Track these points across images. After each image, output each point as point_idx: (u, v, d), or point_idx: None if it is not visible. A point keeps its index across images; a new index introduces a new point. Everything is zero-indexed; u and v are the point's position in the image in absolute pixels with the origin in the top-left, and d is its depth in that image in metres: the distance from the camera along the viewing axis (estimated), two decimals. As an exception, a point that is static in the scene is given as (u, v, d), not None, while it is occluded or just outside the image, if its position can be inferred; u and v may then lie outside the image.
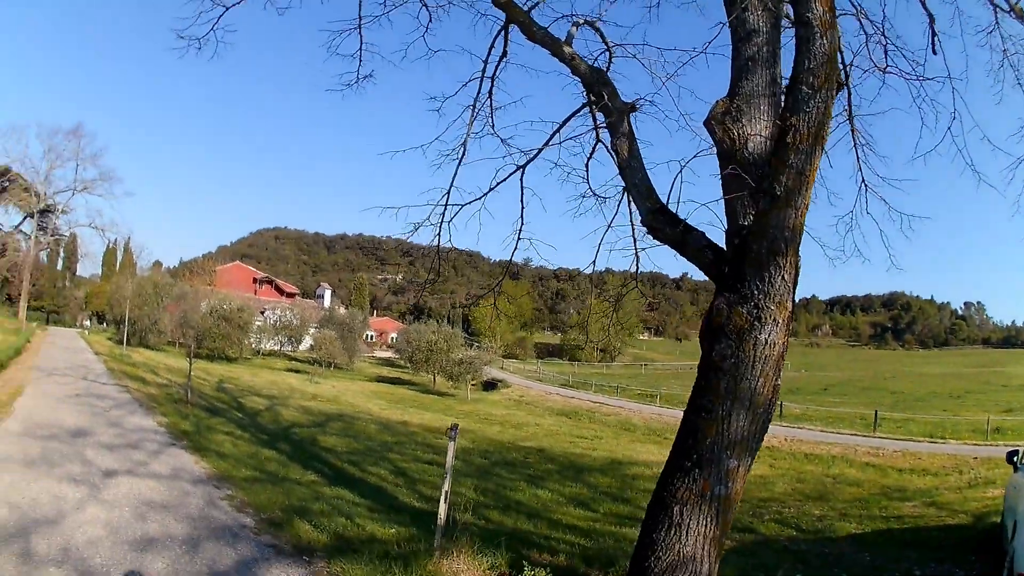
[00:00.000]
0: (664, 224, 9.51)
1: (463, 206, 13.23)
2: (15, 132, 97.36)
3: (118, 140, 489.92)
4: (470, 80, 12.76)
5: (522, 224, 13.19)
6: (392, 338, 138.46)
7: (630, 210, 11.46)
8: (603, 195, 12.12)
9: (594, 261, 13.20)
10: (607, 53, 11.42)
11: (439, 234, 13.69)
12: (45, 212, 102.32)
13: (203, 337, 75.07)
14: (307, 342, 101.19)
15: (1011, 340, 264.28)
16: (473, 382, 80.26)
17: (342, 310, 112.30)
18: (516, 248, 13.65)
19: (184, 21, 10.99)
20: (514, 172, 12.61)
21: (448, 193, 12.87)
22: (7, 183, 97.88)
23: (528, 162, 12.42)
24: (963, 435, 48.05)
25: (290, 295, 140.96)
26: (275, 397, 47.41)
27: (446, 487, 10.91)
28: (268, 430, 30.46)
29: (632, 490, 25.67)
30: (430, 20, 12.49)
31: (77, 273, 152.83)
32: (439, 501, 10.77)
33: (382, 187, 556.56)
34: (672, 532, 8.38)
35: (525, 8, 10.89)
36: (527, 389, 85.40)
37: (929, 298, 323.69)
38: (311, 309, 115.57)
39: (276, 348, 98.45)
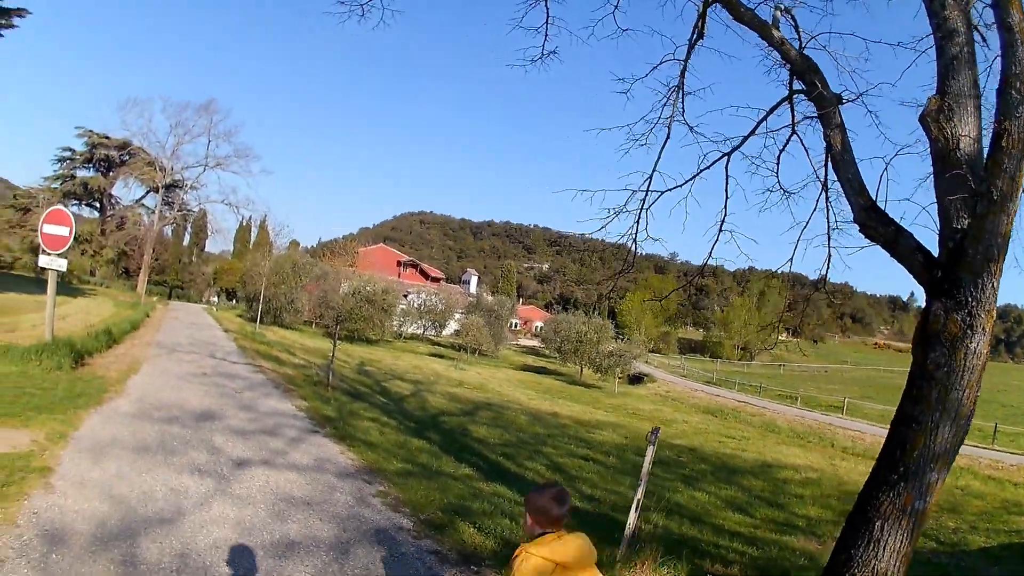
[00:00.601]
0: (877, 223, 9.58)
1: (663, 193, 13.24)
2: (137, 106, 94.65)
3: (260, 120, 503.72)
4: (662, 62, 12.71)
5: (725, 215, 13.13)
6: (537, 327, 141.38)
7: (828, 207, 12.27)
8: (791, 190, 12.86)
9: (791, 259, 13.97)
10: (797, 42, 11.24)
11: (637, 221, 13.46)
12: (171, 187, 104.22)
13: (344, 318, 74.12)
14: (451, 327, 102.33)
15: None
16: (620, 375, 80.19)
17: (489, 297, 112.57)
18: (717, 240, 13.38)
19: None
20: (718, 159, 12.66)
21: (650, 178, 12.93)
22: (127, 156, 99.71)
23: (733, 150, 12.46)
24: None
25: (435, 279, 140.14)
26: (420, 382, 47.24)
27: (639, 495, 10.60)
28: (415, 417, 30.11)
29: (784, 495, 26.81)
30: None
31: (206, 249, 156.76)
32: (630, 508, 10.68)
33: (534, 176, 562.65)
34: (870, 548, 8.71)
35: (730, -13, 10.67)
36: (672, 384, 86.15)
37: None
38: (457, 294, 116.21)
39: (419, 332, 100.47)
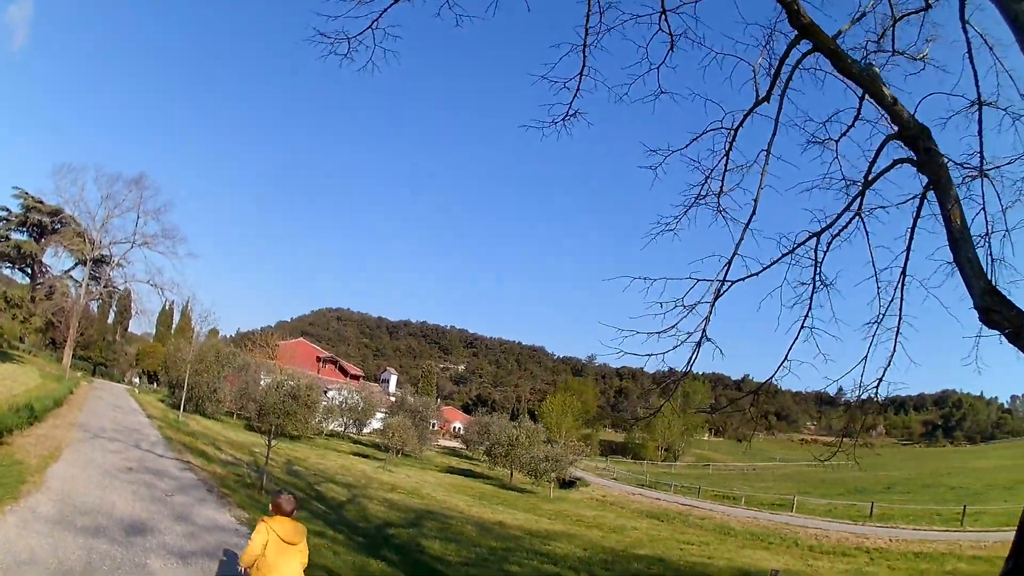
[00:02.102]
0: (1000, 306, 8.41)
1: (734, 282, 12.19)
2: (71, 172, 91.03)
3: (180, 199, 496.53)
4: (707, 130, 11.73)
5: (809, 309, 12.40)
6: (456, 427, 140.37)
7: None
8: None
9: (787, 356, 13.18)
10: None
11: (707, 322, 12.30)
12: (99, 262, 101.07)
13: (266, 412, 71.77)
14: (373, 425, 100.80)
15: None
16: (553, 480, 77.50)
17: (411, 396, 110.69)
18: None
19: (330, 6, 10.16)
20: (807, 240, 11.61)
21: (724, 271, 11.90)
22: (59, 225, 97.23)
23: (823, 229, 11.36)
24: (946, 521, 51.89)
25: (354, 377, 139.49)
26: (353, 486, 44.57)
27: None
28: (361, 530, 27.69)
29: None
30: (670, 49, 11.33)
31: (129, 329, 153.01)
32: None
33: (455, 275, 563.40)
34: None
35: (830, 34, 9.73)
36: (607, 488, 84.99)
37: (979, 394, 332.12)
38: (377, 393, 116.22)
39: (340, 429, 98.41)
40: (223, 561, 14.35)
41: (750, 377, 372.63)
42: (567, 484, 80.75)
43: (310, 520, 23.84)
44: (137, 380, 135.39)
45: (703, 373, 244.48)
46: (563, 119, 11.61)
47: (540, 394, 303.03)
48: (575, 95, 11.40)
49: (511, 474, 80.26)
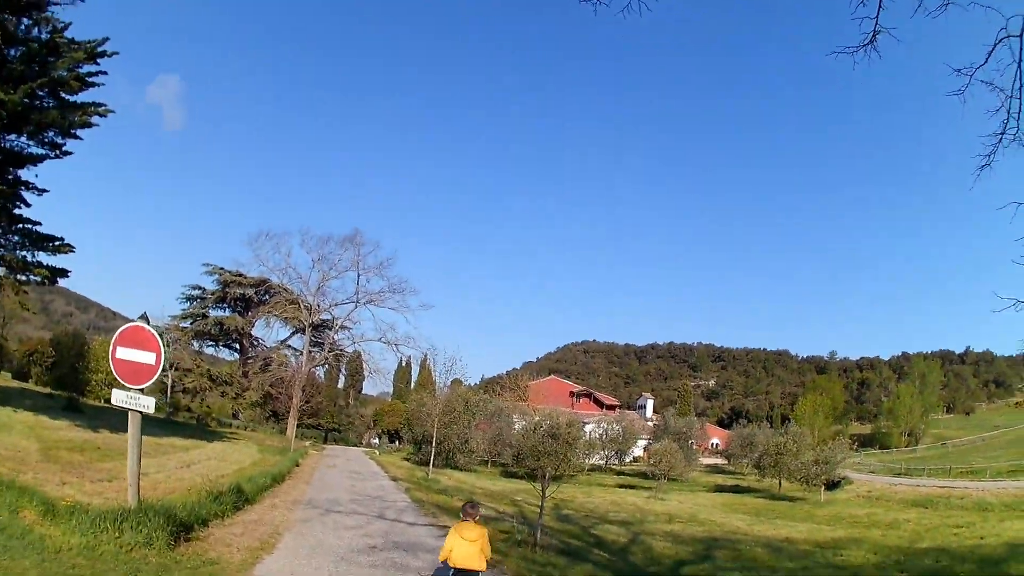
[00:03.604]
0: None
1: None
2: (271, 239, 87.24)
3: (407, 254, 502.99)
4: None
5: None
6: (713, 444, 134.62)
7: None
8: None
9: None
10: None
11: None
12: (319, 327, 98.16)
13: (524, 455, 66.55)
14: (634, 453, 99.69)
15: None
16: (823, 483, 72.03)
17: (672, 419, 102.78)
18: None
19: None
20: None
21: None
22: (265, 295, 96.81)
23: None
24: None
25: (610, 407, 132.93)
26: (629, 523, 40.40)
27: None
28: (654, 574, 24.60)
29: None
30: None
31: (363, 391, 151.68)
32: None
33: (696, 290, 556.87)
34: None
35: None
36: (867, 482, 78.36)
37: None
38: (634, 420, 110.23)
39: (600, 463, 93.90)
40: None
41: (971, 348, 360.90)
42: (832, 485, 74.15)
43: (596, 571, 21.75)
44: (376, 441, 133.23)
45: (929, 352, 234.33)
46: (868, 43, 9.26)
47: (790, 397, 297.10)
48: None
49: (779, 483, 74.85)
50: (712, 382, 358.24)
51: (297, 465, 46.69)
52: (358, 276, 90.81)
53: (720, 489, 78.03)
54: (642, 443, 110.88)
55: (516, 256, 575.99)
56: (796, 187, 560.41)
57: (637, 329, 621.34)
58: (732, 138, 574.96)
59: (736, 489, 78.59)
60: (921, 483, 72.93)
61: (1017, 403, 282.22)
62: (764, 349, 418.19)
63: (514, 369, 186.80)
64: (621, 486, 72.06)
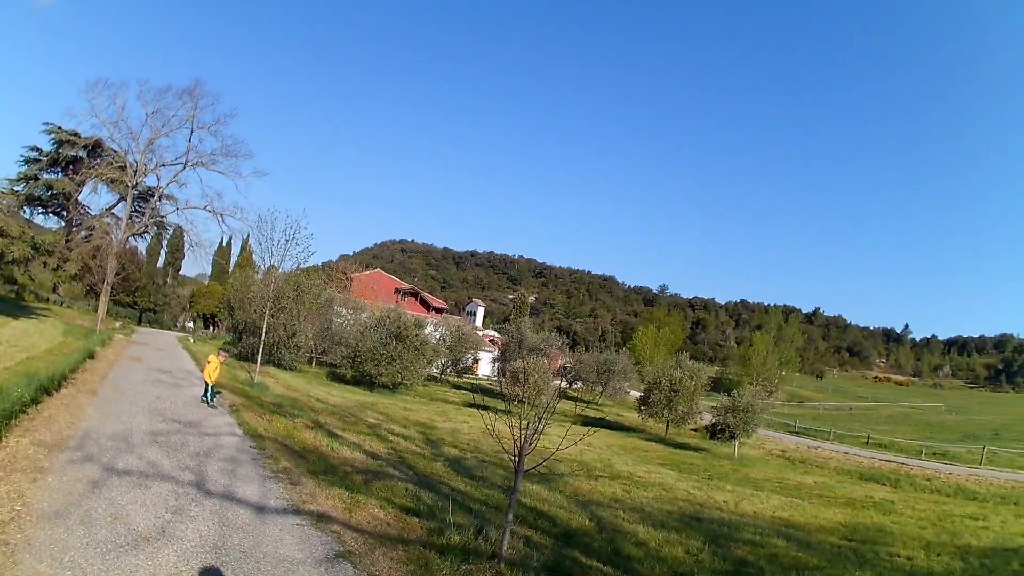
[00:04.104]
0: None
1: None
2: (108, 89, 72.98)
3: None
4: None
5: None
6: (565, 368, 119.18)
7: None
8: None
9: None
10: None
11: None
12: (144, 197, 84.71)
13: (363, 358, 59.20)
14: (484, 369, 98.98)
15: None
16: (694, 427, 67.96)
17: (529, 331, 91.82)
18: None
19: None
20: None
21: None
22: (97, 158, 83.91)
23: None
24: None
25: (438, 310, 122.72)
26: (550, 476, 29.21)
27: None
28: None
29: None
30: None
31: (182, 271, 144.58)
32: None
33: (520, 203, 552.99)
34: None
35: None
36: (773, 439, 71.65)
37: None
38: (467, 328, 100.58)
39: (436, 373, 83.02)
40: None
41: (821, 311, 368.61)
42: (716, 433, 62.67)
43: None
44: (191, 325, 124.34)
45: (774, 305, 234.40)
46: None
47: (621, 325, 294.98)
48: None
49: (666, 427, 63.84)
50: (533, 298, 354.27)
51: (92, 357, 35.33)
52: (191, 133, 75.96)
53: (588, 422, 65.73)
54: (485, 355, 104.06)
55: (345, 145, 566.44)
56: (639, 109, 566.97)
57: (456, 234, 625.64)
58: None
59: (605, 424, 68.87)
60: (836, 448, 67.42)
61: (876, 377, 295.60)
62: (589, 272, 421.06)
63: (330, 261, 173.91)
64: (471, 405, 61.50)
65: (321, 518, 12.62)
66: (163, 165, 77.10)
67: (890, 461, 59.15)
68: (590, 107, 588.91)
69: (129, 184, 74.41)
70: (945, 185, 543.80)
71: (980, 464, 59.10)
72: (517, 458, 12.09)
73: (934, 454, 65.19)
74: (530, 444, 12.06)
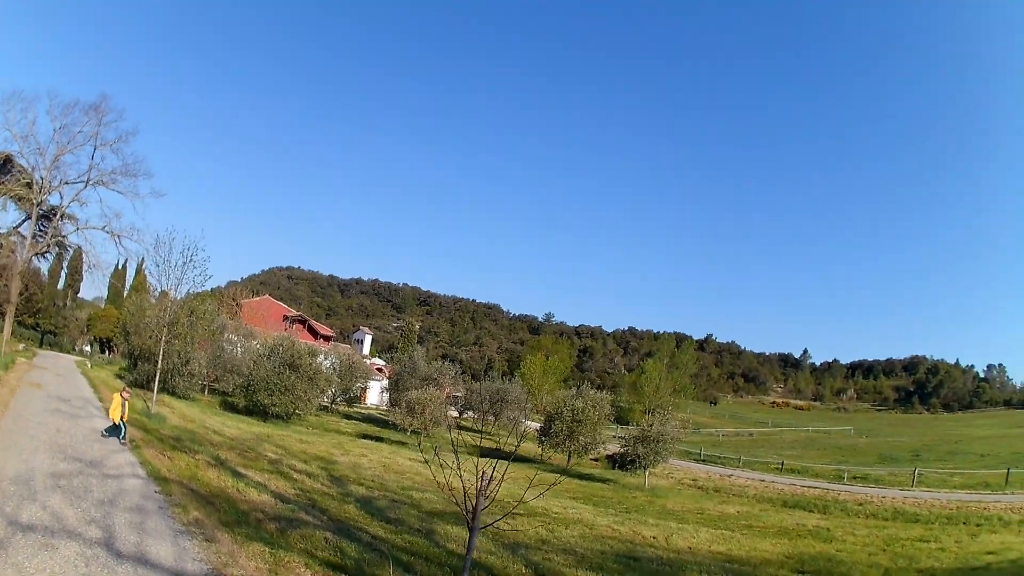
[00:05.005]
0: None
1: None
2: (22, 101, 70.09)
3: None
4: None
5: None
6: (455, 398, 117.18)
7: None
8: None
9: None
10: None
11: None
12: (47, 216, 79.57)
13: (256, 387, 56.54)
14: (373, 398, 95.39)
15: None
16: (594, 458, 65.71)
17: (422, 361, 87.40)
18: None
19: None
20: None
21: None
22: (7, 173, 76.63)
23: None
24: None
25: (325, 338, 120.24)
26: (458, 515, 23.57)
27: None
28: None
29: None
30: None
31: (80, 293, 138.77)
32: None
33: (401, 233, 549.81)
34: None
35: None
36: (684, 468, 69.82)
37: (955, 362, 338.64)
38: (356, 356, 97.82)
39: (327, 403, 79.55)
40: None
41: (713, 337, 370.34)
42: (618, 463, 60.90)
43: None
44: (88, 348, 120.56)
45: (664, 332, 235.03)
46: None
47: (507, 353, 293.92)
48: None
49: (568, 458, 62.60)
50: (418, 326, 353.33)
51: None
52: (93, 150, 73.18)
53: (485, 454, 62.69)
54: (375, 384, 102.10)
55: (235, 170, 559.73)
56: (515, 134, 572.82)
57: (341, 261, 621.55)
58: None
59: (500, 454, 64.38)
60: (750, 476, 65.65)
61: (773, 403, 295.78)
62: (473, 300, 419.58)
63: (219, 287, 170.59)
64: (365, 436, 60.45)
65: None
66: (66, 183, 74.36)
67: (812, 487, 57.50)
68: (469, 134, 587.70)
69: (35, 201, 71.49)
70: (842, 206, 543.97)
71: (912, 486, 56.51)
72: (471, 514, 10.81)
73: (855, 478, 63.63)
74: (485, 496, 10.89)
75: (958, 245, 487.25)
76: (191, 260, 41.58)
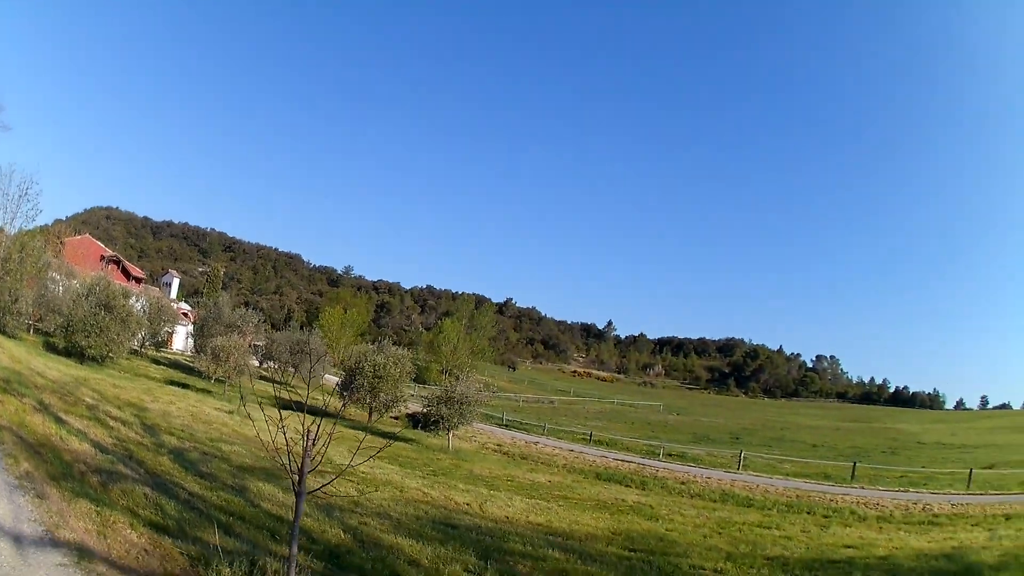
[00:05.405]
0: None
1: None
2: None
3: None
4: None
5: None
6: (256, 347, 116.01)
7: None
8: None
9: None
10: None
11: None
12: None
13: (74, 328, 55.28)
14: (179, 343, 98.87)
15: (871, 396, 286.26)
16: (394, 415, 65.58)
17: (227, 308, 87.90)
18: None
19: None
20: None
21: None
22: None
23: None
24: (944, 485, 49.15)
25: (137, 279, 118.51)
26: (267, 471, 25.55)
27: None
28: None
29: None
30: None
31: None
32: None
33: (218, 174, 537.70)
34: None
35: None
36: (487, 432, 70.34)
37: (777, 348, 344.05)
38: (168, 301, 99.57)
39: (136, 347, 77.42)
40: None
41: (513, 301, 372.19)
42: (417, 423, 62.97)
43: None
44: None
45: (463, 292, 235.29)
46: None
47: (306, 303, 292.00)
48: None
49: (369, 415, 61.89)
50: (222, 272, 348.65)
51: None
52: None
53: (285, 406, 60.78)
54: (181, 330, 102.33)
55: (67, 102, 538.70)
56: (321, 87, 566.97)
57: (157, 202, 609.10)
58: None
59: (304, 409, 63.10)
60: (558, 445, 65.94)
61: (575, 372, 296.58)
62: (276, 248, 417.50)
63: (45, 225, 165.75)
64: (172, 382, 59.34)
65: (82, 553, 11.22)
66: None
67: (627, 461, 57.46)
68: (278, 82, 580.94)
69: None
70: (664, 176, 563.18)
71: (738, 469, 56.14)
72: (297, 475, 10.44)
73: (670, 455, 63.05)
74: (312, 459, 10.39)
75: (793, 237, 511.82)
76: (26, 194, 41.04)
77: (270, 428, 10.66)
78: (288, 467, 10.52)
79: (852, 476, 52.57)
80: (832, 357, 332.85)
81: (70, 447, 19.91)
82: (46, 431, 21.19)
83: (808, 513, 38.70)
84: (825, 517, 37.03)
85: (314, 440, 10.29)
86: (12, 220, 42.96)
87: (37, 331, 65.32)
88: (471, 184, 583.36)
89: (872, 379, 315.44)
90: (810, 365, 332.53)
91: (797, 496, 44.16)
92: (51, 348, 57.30)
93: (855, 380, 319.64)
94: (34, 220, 44.21)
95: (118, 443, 23.56)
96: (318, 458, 10.59)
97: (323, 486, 12.03)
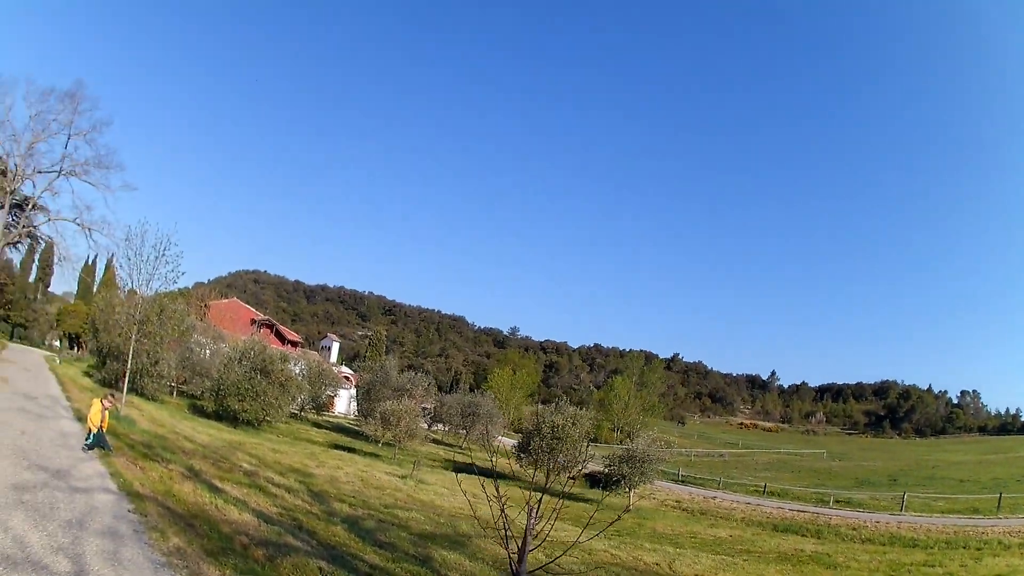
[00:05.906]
0: None
1: None
2: (1, 86, 67.51)
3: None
4: None
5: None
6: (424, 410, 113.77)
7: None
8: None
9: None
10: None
11: None
12: (18, 204, 75.80)
13: (226, 392, 53.29)
14: (341, 406, 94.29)
15: (1008, 427, 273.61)
16: (571, 476, 56.40)
17: (394, 372, 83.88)
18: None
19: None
20: None
21: None
22: None
23: None
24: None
25: (293, 343, 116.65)
26: (450, 538, 24.45)
27: None
28: None
29: None
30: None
31: (50, 288, 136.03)
32: None
33: (366, 243, 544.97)
34: None
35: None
36: (665, 489, 67.40)
37: (927, 387, 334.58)
38: (325, 364, 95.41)
39: (297, 411, 76.18)
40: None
41: (680, 357, 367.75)
42: (597, 482, 60.52)
43: None
44: (57, 344, 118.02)
45: (630, 350, 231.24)
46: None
47: (473, 366, 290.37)
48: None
49: (547, 477, 56.81)
50: (384, 335, 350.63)
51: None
52: (68, 139, 70.20)
53: (458, 468, 56.41)
54: (344, 393, 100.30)
55: (206, 169, 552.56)
56: (483, 145, 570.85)
57: (307, 267, 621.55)
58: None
59: (477, 470, 61.18)
60: (734, 498, 63.47)
61: (741, 424, 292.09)
62: (439, 311, 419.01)
63: (187, 287, 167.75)
64: (336, 446, 57.75)
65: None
66: (39, 172, 71.44)
67: (800, 511, 55.19)
68: (439, 143, 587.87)
69: (7, 190, 68.48)
70: (814, 230, 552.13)
71: (901, 511, 54.14)
72: (516, 555, 9.06)
73: (838, 502, 60.84)
74: (534, 535, 9.42)
75: (932, 273, 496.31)
76: (163, 255, 39.21)
77: (500, 502, 9.61)
78: (505, 543, 9.45)
79: (998, 507, 51.86)
80: (975, 392, 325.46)
81: (228, 517, 17.53)
82: (198, 500, 18.78)
83: (963, 548, 39.03)
84: (978, 550, 37.62)
85: (535, 516, 9.50)
86: (148, 282, 40.64)
87: (181, 394, 64.18)
88: (637, 241, 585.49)
89: (1007, 410, 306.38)
90: (955, 401, 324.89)
91: (955, 532, 43.93)
92: (198, 411, 55.72)
93: (994, 412, 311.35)
94: (175, 283, 41.70)
95: (284, 512, 21.10)
96: (541, 534, 9.71)
97: (546, 564, 11.06)
